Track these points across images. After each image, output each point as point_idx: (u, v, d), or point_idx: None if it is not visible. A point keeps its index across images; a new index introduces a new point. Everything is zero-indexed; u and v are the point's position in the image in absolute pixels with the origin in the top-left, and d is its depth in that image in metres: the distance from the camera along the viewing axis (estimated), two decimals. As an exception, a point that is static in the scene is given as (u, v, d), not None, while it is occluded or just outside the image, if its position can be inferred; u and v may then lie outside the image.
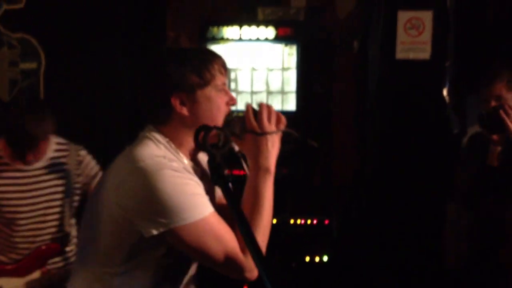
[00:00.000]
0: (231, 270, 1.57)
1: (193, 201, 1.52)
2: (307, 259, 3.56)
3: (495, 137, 2.65)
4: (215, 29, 4.01)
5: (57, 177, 2.65)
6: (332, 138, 4.13)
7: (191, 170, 1.62)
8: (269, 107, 1.64)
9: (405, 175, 3.46)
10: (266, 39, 3.99)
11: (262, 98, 4.05)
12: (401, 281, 3.37)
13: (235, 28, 3.99)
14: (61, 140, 2.70)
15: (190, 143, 1.62)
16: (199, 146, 1.53)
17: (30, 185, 2.60)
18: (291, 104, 4.02)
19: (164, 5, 4.13)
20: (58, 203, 2.67)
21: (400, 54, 3.50)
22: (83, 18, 3.86)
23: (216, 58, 1.64)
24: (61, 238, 2.70)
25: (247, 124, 1.63)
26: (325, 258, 3.57)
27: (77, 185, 2.70)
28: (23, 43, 4.00)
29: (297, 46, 4.01)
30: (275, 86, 4.06)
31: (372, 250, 3.48)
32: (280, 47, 4.04)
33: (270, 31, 3.98)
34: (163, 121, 1.62)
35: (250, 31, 3.98)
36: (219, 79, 1.63)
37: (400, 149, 3.48)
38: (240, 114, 1.69)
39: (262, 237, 1.59)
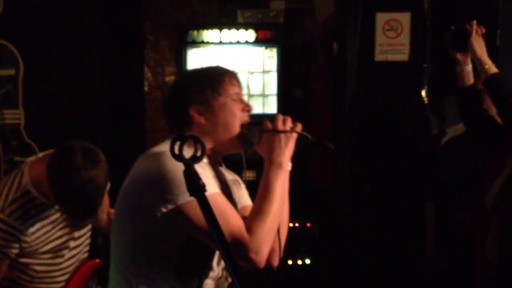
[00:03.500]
0: (236, 251, 1.61)
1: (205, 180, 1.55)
2: (290, 262, 3.58)
3: (459, 56, 2.81)
4: (195, 33, 4.00)
5: None
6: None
7: (207, 166, 1.74)
8: (285, 115, 1.82)
9: (384, 177, 3.48)
10: (246, 42, 3.99)
11: (243, 101, 4.05)
12: (382, 284, 3.39)
13: (215, 31, 3.99)
14: None
15: (209, 152, 1.77)
16: (175, 156, 1.54)
17: (64, 221, 2.42)
18: (272, 107, 4.03)
19: (141, 9, 4.11)
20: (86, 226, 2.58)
21: (378, 56, 3.52)
22: (61, 23, 3.83)
23: (226, 71, 1.85)
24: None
25: (264, 126, 1.78)
26: (308, 261, 3.59)
27: None
28: (0, 50, 3.96)
29: (277, 49, 4.02)
30: (256, 89, 4.07)
31: (354, 253, 3.50)
32: (260, 50, 4.05)
33: (250, 34, 3.99)
34: (184, 130, 1.80)
35: (230, 34, 3.98)
36: (231, 89, 1.81)
37: (379, 151, 3.50)
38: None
39: (270, 224, 1.67)
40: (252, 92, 4.07)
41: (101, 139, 3.67)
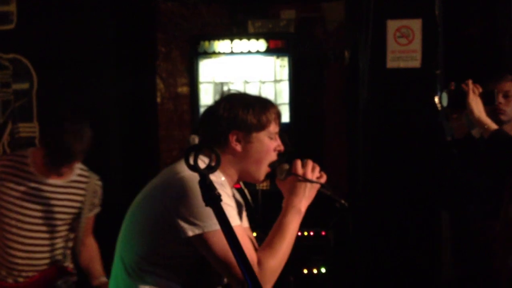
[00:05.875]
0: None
1: (226, 210, 1.62)
2: (305, 271, 3.56)
3: (454, 116, 2.87)
4: (206, 43, 4.02)
5: (73, 199, 2.67)
6: (324, 149, 4.14)
7: (228, 188, 1.81)
8: (314, 163, 1.87)
9: (397, 184, 3.46)
10: (258, 52, 4.00)
11: (255, 110, 4.05)
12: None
13: (226, 41, 4.01)
14: (83, 166, 2.74)
15: (233, 176, 1.86)
16: (189, 166, 1.55)
17: (46, 199, 2.60)
18: (284, 116, 4.03)
19: (153, 21, 4.14)
20: (65, 225, 2.67)
21: (390, 63, 3.51)
22: (74, 37, 3.87)
23: (274, 106, 1.89)
24: (60, 261, 2.69)
25: (293, 167, 1.84)
26: (323, 270, 3.57)
27: (86, 212, 2.73)
28: (15, 64, 4.01)
29: (288, 58, 4.03)
30: (268, 98, 4.06)
31: (369, 261, 3.48)
32: (271, 59, 4.06)
33: (261, 44, 4.00)
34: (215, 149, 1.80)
35: (241, 44, 4.00)
36: (273, 127, 1.86)
37: (392, 158, 3.49)
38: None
39: (280, 261, 1.76)
40: (264, 101, 4.06)
41: (116, 150, 3.69)
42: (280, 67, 4.07)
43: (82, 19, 3.87)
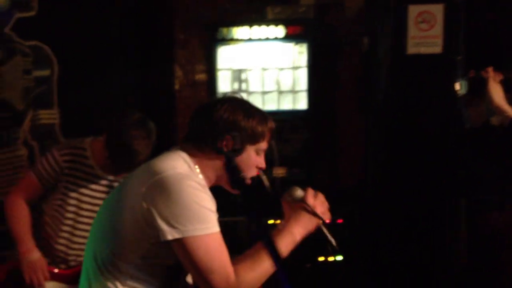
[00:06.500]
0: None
1: (209, 215, 1.64)
2: (321, 259, 3.55)
3: (474, 101, 2.88)
4: (224, 30, 4.01)
5: None
6: (339, 136, 4.11)
7: (208, 190, 1.72)
8: (324, 197, 1.82)
9: (416, 171, 3.41)
10: (276, 38, 3.98)
11: (273, 98, 4.04)
12: (413, 281, 3.34)
13: (245, 28, 3.99)
14: None
15: (211, 179, 1.78)
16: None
17: (104, 194, 2.56)
18: (302, 103, 4.01)
19: (171, 8, 4.13)
20: None
21: (411, 49, 3.46)
22: (93, 24, 3.89)
23: (272, 128, 1.82)
24: None
25: (306, 197, 1.79)
26: (339, 258, 3.55)
27: None
28: (36, 51, 4.05)
29: (307, 44, 3.99)
30: (286, 85, 4.05)
31: (384, 249, 3.45)
32: (290, 46, 4.03)
33: (279, 30, 3.97)
34: (202, 149, 1.76)
35: (259, 30, 3.97)
36: (264, 144, 1.81)
37: (411, 145, 3.44)
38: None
39: (258, 279, 1.69)
40: (282, 88, 4.04)
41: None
42: (298, 53, 4.03)
43: (102, 6, 3.88)
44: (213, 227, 1.63)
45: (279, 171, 3.40)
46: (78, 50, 3.92)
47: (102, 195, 2.56)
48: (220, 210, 1.69)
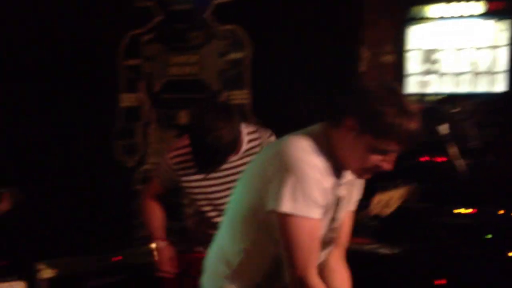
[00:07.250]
0: (289, 276, 1.69)
1: (310, 202, 1.64)
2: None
3: None
4: (417, 9, 3.84)
5: None
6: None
7: (331, 173, 1.71)
8: None
9: None
10: (472, 16, 3.68)
11: (467, 79, 3.76)
12: None
13: (440, 5, 3.76)
14: (251, 128, 2.64)
15: (338, 160, 1.71)
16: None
17: (225, 177, 2.57)
18: (500, 85, 3.67)
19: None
20: None
21: None
22: (288, 8, 3.99)
23: (414, 131, 1.63)
24: None
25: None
26: None
27: None
28: (232, 34, 4.31)
29: (511, 21, 3.62)
30: (483, 66, 3.73)
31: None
32: (490, 23, 3.70)
33: (478, 6, 3.67)
34: (331, 126, 1.71)
35: (455, 8, 3.72)
36: (391, 147, 1.64)
37: None
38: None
39: None
40: (479, 69, 3.74)
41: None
42: (499, 31, 3.68)
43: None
44: (310, 212, 1.63)
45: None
46: (269, 33, 4.08)
47: (225, 179, 2.57)
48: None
